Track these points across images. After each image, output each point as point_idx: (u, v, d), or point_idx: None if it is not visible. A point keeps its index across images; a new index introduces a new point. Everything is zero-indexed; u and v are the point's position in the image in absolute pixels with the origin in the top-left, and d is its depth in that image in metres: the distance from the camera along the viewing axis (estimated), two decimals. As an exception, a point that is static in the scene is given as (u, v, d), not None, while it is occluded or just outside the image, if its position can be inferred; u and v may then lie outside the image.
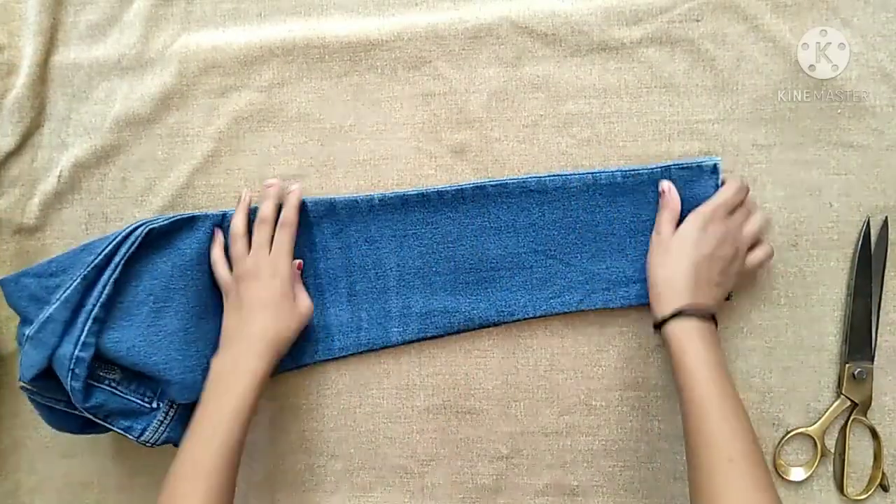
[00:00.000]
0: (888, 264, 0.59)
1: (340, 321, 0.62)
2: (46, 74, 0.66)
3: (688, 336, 0.51)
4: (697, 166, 0.59)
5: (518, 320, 0.61)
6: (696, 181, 0.59)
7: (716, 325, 0.54)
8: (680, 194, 0.58)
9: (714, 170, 0.59)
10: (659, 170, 0.59)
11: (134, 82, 0.65)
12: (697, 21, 0.61)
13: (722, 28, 0.61)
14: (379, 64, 0.63)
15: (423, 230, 0.62)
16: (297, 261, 0.61)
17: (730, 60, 0.60)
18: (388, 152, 0.63)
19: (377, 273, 0.62)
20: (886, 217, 0.59)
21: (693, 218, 0.55)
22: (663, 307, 0.53)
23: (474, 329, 0.61)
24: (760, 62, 0.60)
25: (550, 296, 0.60)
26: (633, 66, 0.61)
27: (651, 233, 0.59)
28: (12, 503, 0.65)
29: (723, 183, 0.58)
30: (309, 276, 0.62)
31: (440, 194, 0.61)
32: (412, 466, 0.62)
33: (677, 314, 0.52)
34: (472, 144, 0.62)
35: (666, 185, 0.58)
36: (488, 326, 0.61)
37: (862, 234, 0.59)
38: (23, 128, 0.65)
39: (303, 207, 0.61)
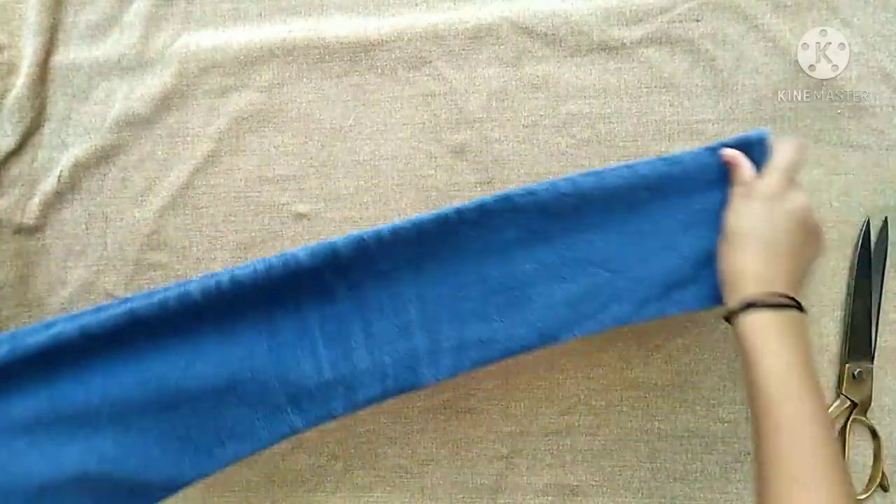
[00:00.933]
0: (888, 264, 0.59)
1: (360, 370, 0.51)
2: (46, 74, 0.66)
3: (764, 333, 0.43)
4: (746, 141, 0.51)
5: (564, 341, 0.52)
6: (748, 155, 0.51)
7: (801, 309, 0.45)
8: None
9: (762, 141, 0.51)
10: (704, 151, 0.51)
11: (134, 82, 0.65)
12: (697, 21, 0.61)
13: (722, 28, 0.61)
14: (379, 64, 0.63)
15: (442, 251, 0.52)
16: None
17: (730, 60, 0.61)
18: (388, 152, 0.63)
19: (395, 307, 0.52)
20: (886, 217, 0.59)
21: (774, 173, 0.48)
22: (730, 295, 0.46)
23: (515, 355, 0.52)
24: (760, 62, 0.60)
25: (597, 309, 0.51)
26: (632, 66, 0.61)
27: (706, 224, 0.51)
28: (13, 503, 0.66)
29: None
30: (313, 324, 0.51)
31: (460, 213, 0.51)
32: (412, 466, 0.62)
33: (748, 306, 0.44)
34: (472, 144, 0.62)
35: (729, 152, 0.51)
36: (530, 351, 0.52)
37: (862, 234, 0.59)
38: (23, 128, 0.65)
39: (297, 261, 0.50)
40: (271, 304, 0.51)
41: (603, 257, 0.52)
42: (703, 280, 0.51)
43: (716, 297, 0.50)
